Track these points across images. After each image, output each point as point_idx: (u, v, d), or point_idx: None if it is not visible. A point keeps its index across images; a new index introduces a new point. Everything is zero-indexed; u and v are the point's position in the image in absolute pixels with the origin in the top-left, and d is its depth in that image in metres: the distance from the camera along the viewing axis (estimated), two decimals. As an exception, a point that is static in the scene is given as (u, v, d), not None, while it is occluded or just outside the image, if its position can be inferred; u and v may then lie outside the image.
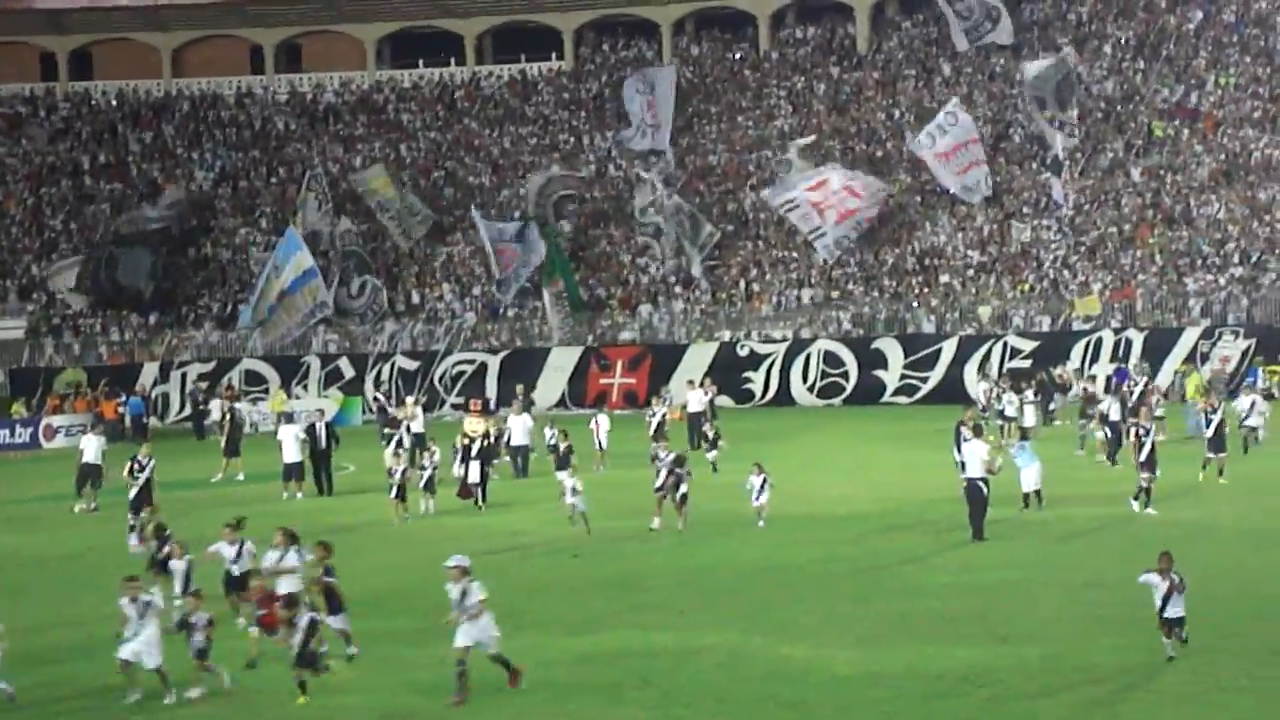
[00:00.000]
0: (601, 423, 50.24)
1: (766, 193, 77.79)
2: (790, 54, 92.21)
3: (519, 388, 59.60)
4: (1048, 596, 28.32)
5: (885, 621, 26.93)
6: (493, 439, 44.46)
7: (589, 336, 75.79)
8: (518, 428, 47.91)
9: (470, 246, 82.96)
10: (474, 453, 41.81)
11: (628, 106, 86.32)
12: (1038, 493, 37.49)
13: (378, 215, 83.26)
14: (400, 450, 43.08)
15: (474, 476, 41.70)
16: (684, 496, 36.52)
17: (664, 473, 36.62)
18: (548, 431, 44.46)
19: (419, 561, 33.28)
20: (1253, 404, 49.05)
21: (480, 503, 41.51)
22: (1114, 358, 65.71)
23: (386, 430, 50.11)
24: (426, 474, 41.21)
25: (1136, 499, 36.75)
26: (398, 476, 39.75)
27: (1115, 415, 46.05)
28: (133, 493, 38.48)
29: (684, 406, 56.84)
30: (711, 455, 47.32)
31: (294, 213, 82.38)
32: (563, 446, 43.07)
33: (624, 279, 79.46)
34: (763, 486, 36.67)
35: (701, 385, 57.97)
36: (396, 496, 39.64)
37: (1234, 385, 63.81)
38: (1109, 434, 45.78)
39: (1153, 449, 36.70)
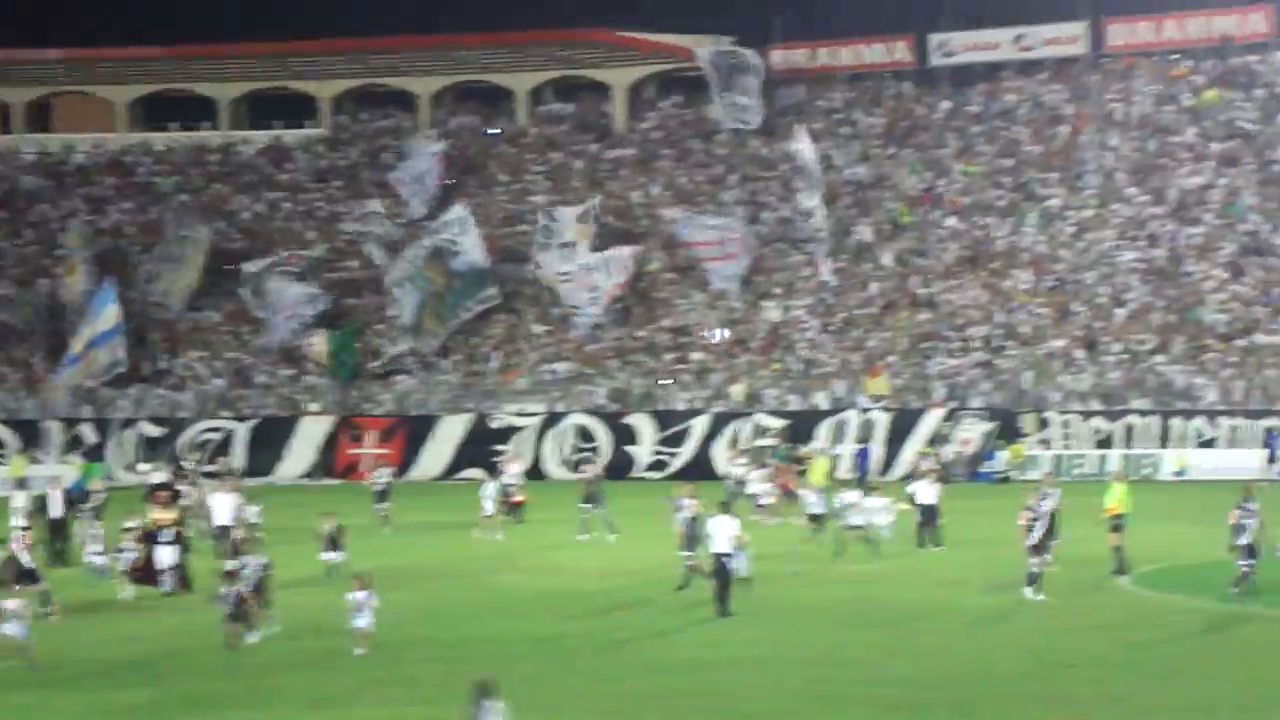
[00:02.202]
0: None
1: (542, 258, 77.97)
2: (548, 130, 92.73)
3: (221, 460, 57.58)
4: (789, 673, 28.62)
5: (629, 698, 27.01)
6: (184, 525, 41.24)
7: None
8: (222, 506, 43.82)
9: (220, 313, 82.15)
10: (163, 538, 39.22)
11: (399, 175, 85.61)
12: (746, 579, 36.03)
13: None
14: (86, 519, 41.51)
15: (164, 561, 39.01)
16: (247, 599, 31.97)
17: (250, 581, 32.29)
18: (250, 509, 42.52)
19: (155, 633, 32.67)
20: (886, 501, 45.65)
21: (174, 588, 38.82)
22: (859, 438, 66.82)
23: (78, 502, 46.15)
24: (127, 557, 38.32)
25: (1032, 585, 35.39)
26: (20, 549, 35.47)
27: (927, 498, 44.65)
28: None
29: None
30: (332, 557, 40.21)
31: (65, 269, 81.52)
32: (236, 535, 39.83)
33: (377, 349, 79.05)
34: (364, 607, 30.76)
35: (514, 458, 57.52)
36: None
37: (975, 468, 65.33)
38: (919, 516, 44.60)
39: (1045, 533, 35.65)
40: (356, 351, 77.84)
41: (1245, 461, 62.71)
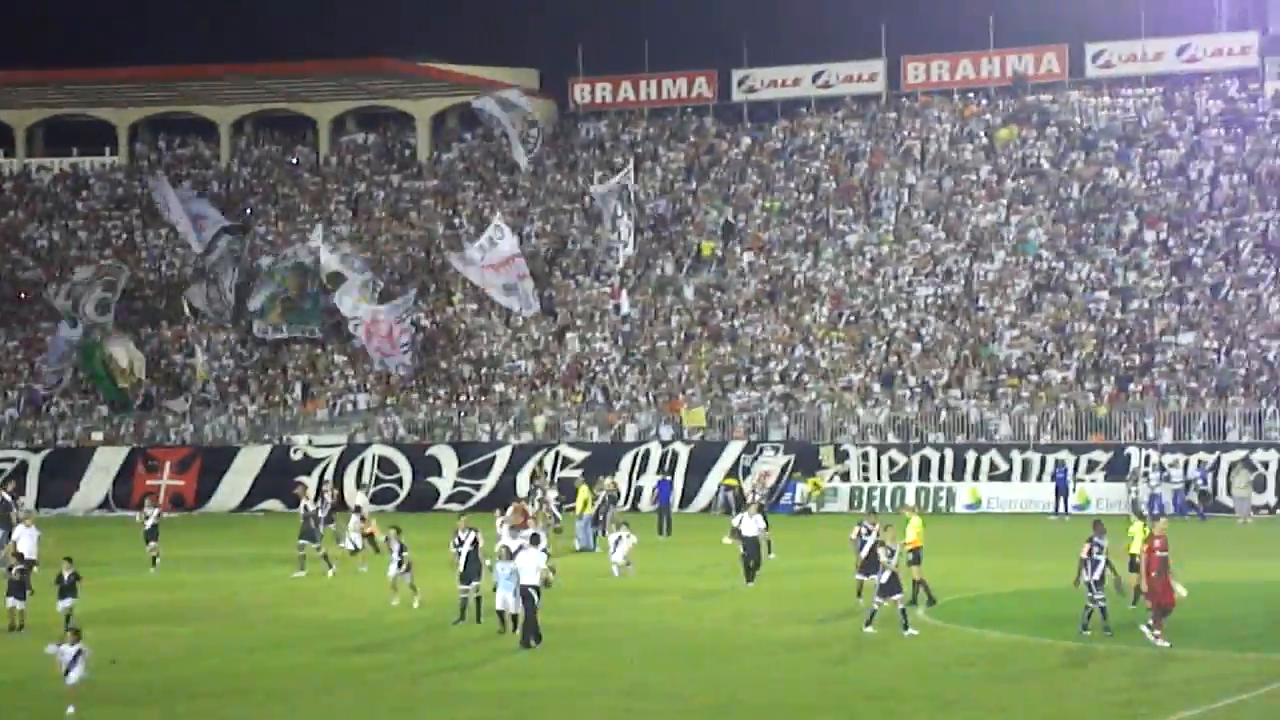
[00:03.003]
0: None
1: (343, 303, 77.21)
2: (349, 159, 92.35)
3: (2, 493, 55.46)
4: (593, 704, 28.74)
5: (432, 730, 26.96)
6: None
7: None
8: (26, 540, 42.23)
9: (14, 341, 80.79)
10: None
11: (170, 213, 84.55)
12: (514, 616, 35.37)
13: None
14: None
15: None
16: None
17: None
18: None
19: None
20: (618, 540, 46.07)
21: None
22: (660, 470, 67.19)
23: None
24: None
25: (870, 624, 35.04)
26: None
27: (750, 531, 43.91)
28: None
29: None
30: (63, 604, 36.89)
31: None
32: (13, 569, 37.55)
33: (176, 378, 78.25)
34: (75, 660, 27.75)
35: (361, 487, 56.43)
36: None
37: (774, 499, 65.91)
38: (744, 550, 43.77)
39: (895, 571, 34.98)
40: (99, 361, 76.75)
41: (1038, 495, 64.17)
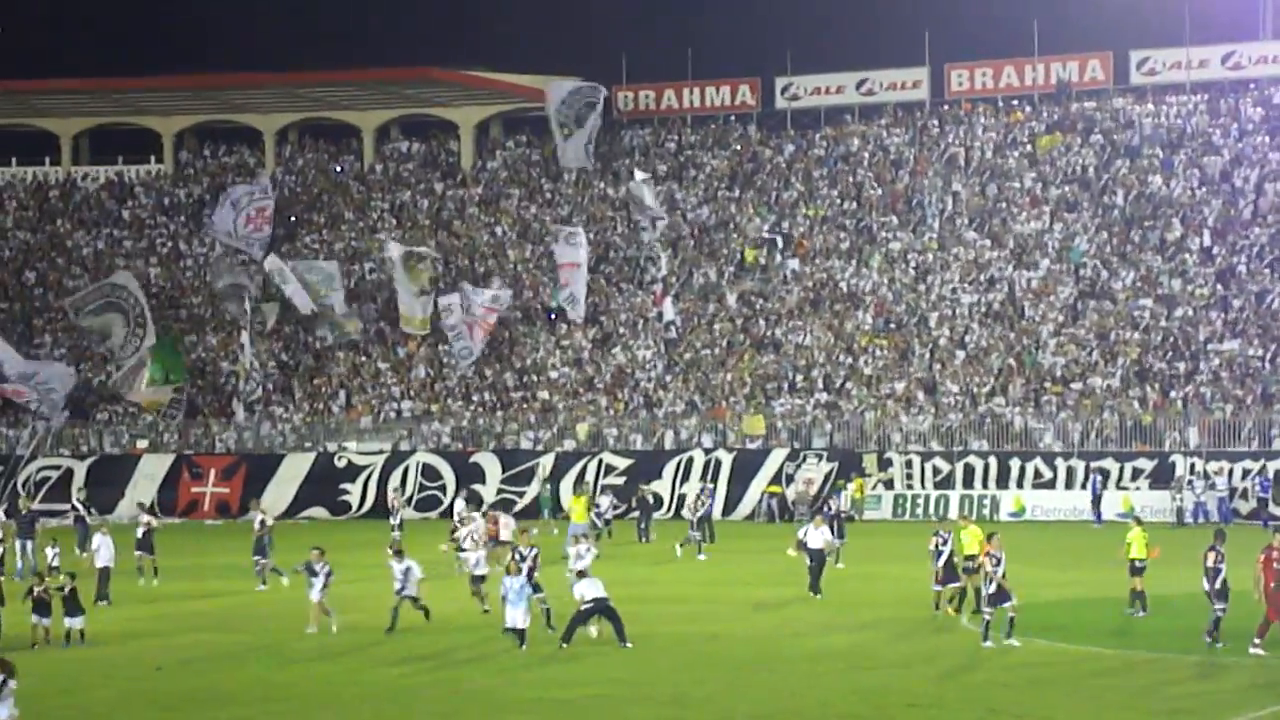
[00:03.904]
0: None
1: (444, 300, 77.73)
2: (393, 168, 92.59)
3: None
4: (635, 714, 28.72)
5: (475, 738, 26.97)
6: None
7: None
8: (105, 548, 43.08)
9: (61, 349, 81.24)
10: None
11: (221, 219, 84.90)
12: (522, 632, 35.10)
13: None
14: None
15: None
16: None
17: None
18: (49, 551, 41.12)
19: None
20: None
21: None
22: (703, 477, 67.11)
23: None
24: None
25: (987, 637, 34.50)
26: None
27: (815, 543, 43.35)
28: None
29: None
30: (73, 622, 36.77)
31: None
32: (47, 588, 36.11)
33: (221, 386, 78.54)
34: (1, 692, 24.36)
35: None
36: None
37: (817, 506, 65.72)
38: (810, 561, 43.09)
39: (1001, 584, 34.39)
40: (181, 355, 77.30)
41: (1082, 503, 63.91)
